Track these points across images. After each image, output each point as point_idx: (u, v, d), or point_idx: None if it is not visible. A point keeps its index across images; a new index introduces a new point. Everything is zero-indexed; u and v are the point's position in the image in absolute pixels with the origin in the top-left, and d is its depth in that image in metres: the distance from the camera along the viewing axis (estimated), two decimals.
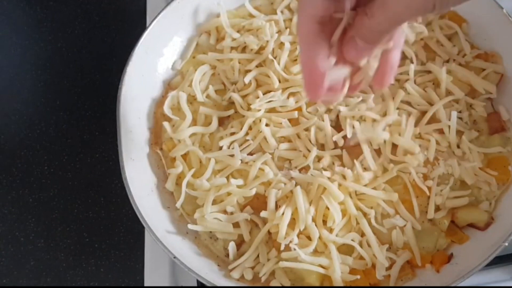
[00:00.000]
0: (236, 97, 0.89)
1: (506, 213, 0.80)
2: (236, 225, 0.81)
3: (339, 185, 0.80)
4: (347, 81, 0.61)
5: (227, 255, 0.81)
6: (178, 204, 0.83)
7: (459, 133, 0.85)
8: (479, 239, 0.79)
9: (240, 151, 0.84)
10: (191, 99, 0.92)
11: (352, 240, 0.78)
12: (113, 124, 0.83)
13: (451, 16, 0.95)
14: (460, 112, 0.87)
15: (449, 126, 0.85)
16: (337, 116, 0.88)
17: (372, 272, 0.77)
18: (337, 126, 0.87)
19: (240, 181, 0.83)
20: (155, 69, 0.94)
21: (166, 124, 0.89)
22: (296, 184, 0.81)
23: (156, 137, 0.90)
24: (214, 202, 0.82)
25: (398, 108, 0.87)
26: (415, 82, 0.89)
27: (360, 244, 0.78)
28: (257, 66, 0.92)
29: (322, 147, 0.86)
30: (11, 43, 1.25)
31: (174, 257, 0.74)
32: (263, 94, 0.89)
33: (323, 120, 0.86)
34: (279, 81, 0.89)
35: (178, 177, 0.86)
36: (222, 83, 0.93)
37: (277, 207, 0.80)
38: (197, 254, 0.81)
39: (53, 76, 1.20)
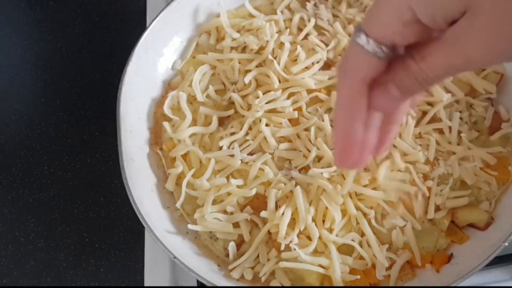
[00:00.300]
0: (236, 97, 0.89)
1: (506, 213, 0.80)
2: (236, 225, 0.81)
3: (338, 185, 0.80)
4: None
5: (227, 255, 0.81)
6: (178, 204, 0.83)
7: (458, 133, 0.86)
8: (479, 239, 0.79)
9: (240, 151, 0.84)
10: (191, 99, 0.92)
11: (352, 240, 0.78)
12: (113, 124, 0.83)
13: None
14: (460, 112, 0.87)
15: (450, 126, 0.85)
16: None
17: (372, 272, 0.77)
18: None
19: (240, 181, 0.83)
20: (155, 69, 0.94)
21: (166, 124, 0.89)
22: (296, 184, 0.81)
23: (156, 137, 0.90)
24: (214, 202, 0.82)
25: None
26: None
27: (360, 244, 0.78)
28: (257, 66, 0.92)
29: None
30: (11, 43, 1.25)
31: (174, 257, 0.74)
32: (263, 94, 0.89)
33: (323, 120, 0.86)
34: (279, 81, 0.89)
35: (178, 177, 0.86)
36: (222, 83, 0.93)
37: (277, 207, 0.80)
38: (197, 254, 0.81)
39: (53, 76, 1.20)
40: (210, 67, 0.94)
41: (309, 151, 0.84)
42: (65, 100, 1.17)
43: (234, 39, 0.95)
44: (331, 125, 0.86)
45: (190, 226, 0.81)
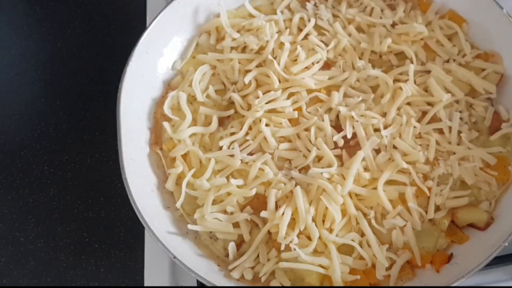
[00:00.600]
0: (236, 97, 0.89)
1: (506, 213, 0.80)
2: (236, 225, 0.81)
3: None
4: None
5: (227, 255, 0.81)
6: (178, 204, 0.83)
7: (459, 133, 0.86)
8: (479, 239, 0.79)
9: (240, 151, 0.84)
10: (191, 99, 0.92)
11: (352, 240, 0.78)
12: (113, 124, 0.83)
13: (451, 16, 0.95)
14: (460, 112, 0.87)
15: (449, 127, 0.85)
16: (337, 116, 0.88)
17: (372, 272, 0.77)
18: (337, 126, 0.87)
19: (240, 181, 0.82)
20: (155, 69, 0.94)
21: (166, 124, 0.89)
22: (296, 184, 0.81)
23: (156, 137, 0.90)
24: (214, 202, 0.82)
25: (398, 109, 0.87)
26: (415, 82, 0.89)
27: (360, 244, 0.78)
28: (257, 66, 0.92)
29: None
30: (11, 43, 1.25)
31: (174, 257, 0.74)
32: (263, 94, 0.89)
33: (323, 120, 0.86)
34: (279, 81, 0.89)
35: (178, 177, 0.86)
36: (222, 83, 0.93)
37: (277, 207, 0.80)
38: (197, 254, 0.81)
39: (53, 76, 1.20)
40: (210, 67, 0.94)
41: (309, 151, 0.84)
42: (65, 100, 1.17)
43: (234, 39, 0.95)
44: (331, 125, 0.86)
45: (190, 226, 0.81)
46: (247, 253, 0.79)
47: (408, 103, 0.88)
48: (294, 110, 0.87)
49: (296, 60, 0.91)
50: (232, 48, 0.95)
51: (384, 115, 0.87)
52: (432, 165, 0.83)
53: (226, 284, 0.77)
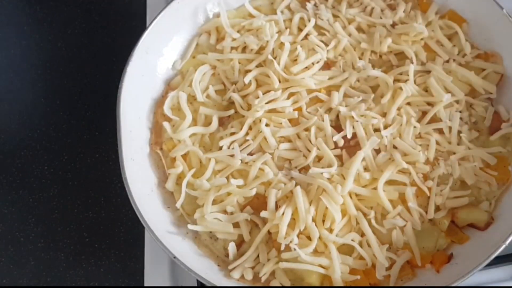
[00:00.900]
0: (236, 97, 0.89)
1: (506, 213, 0.80)
2: (236, 225, 0.81)
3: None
4: None
5: (227, 255, 0.81)
6: (178, 204, 0.83)
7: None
8: (479, 239, 0.79)
9: (240, 151, 0.84)
10: (191, 99, 0.92)
11: (352, 240, 0.78)
12: (113, 124, 0.83)
13: (451, 16, 0.95)
14: (460, 112, 0.87)
15: (450, 127, 0.85)
16: (337, 116, 0.88)
17: (372, 272, 0.77)
18: (337, 126, 0.87)
19: (240, 181, 0.82)
20: (155, 69, 0.94)
21: (166, 124, 0.89)
22: (296, 184, 0.81)
23: (156, 137, 0.90)
24: (214, 202, 0.82)
25: (398, 109, 0.87)
26: (415, 82, 0.89)
27: (360, 244, 0.78)
28: (257, 66, 0.92)
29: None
30: (11, 43, 1.25)
31: (174, 257, 0.74)
32: (263, 94, 0.89)
33: (323, 120, 0.86)
34: (279, 81, 0.89)
35: (178, 177, 0.86)
36: (222, 83, 0.93)
37: (277, 207, 0.80)
38: (197, 254, 0.81)
39: (53, 76, 1.20)
40: (210, 67, 0.94)
41: (309, 151, 0.84)
42: (65, 100, 1.17)
43: (234, 39, 0.95)
44: (331, 125, 0.86)
45: (190, 227, 0.81)
46: (247, 253, 0.79)
47: (408, 103, 0.88)
48: (294, 110, 0.87)
49: (296, 60, 0.91)
50: (232, 48, 0.95)
51: (384, 115, 0.86)
52: (432, 165, 0.83)
53: (226, 284, 0.77)
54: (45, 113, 1.15)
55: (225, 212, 0.82)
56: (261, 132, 0.85)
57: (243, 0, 0.99)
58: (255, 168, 0.82)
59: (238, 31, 0.96)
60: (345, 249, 0.79)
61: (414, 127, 0.85)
